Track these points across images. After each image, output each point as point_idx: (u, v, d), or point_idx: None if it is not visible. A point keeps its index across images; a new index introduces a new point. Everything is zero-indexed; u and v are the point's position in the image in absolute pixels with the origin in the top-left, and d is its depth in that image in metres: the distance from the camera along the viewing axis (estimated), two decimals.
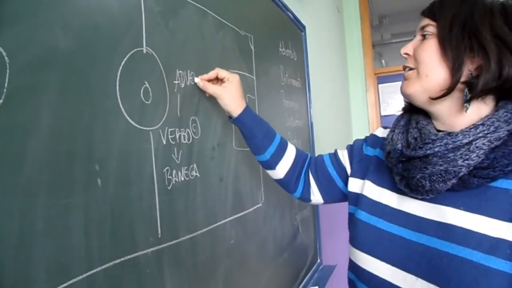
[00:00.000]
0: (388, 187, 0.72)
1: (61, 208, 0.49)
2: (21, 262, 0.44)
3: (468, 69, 0.60)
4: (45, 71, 0.48)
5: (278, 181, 0.94)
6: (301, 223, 1.48)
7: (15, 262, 0.43)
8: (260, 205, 1.11)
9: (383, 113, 3.44)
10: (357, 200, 0.78)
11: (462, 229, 0.58)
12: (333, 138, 2.37)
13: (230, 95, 0.83)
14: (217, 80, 0.86)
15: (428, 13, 0.66)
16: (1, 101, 0.43)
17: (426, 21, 0.66)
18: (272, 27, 1.31)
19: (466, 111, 0.62)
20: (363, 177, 0.80)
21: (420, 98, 0.65)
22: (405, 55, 0.68)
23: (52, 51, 0.49)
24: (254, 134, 0.87)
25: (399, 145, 0.65)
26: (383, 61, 5.61)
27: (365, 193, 0.76)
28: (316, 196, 0.92)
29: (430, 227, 0.62)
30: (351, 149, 0.88)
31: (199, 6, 0.84)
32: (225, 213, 0.91)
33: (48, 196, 0.47)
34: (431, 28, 0.64)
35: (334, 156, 0.92)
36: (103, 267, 0.55)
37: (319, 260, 1.70)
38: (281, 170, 0.91)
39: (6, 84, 0.43)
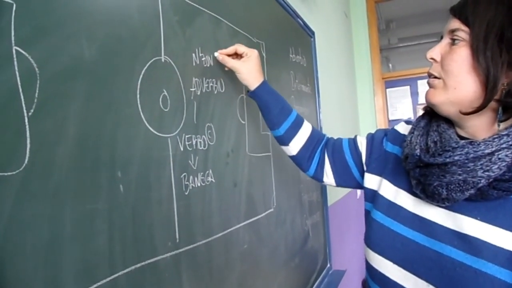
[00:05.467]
0: (404, 188, 0.70)
1: (87, 213, 0.50)
2: (50, 265, 0.45)
3: (501, 83, 0.55)
4: (72, 81, 0.50)
5: (292, 157, 0.96)
6: (311, 228, 1.48)
7: (45, 265, 0.45)
8: (272, 210, 1.12)
9: (391, 118, 3.43)
10: (374, 198, 0.77)
11: (478, 240, 0.57)
12: None
13: (248, 69, 0.86)
14: (236, 55, 0.89)
15: (459, 14, 0.59)
16: (32, 110, 0.44)
17: (456, 23, 0.60)
18: (282, 34, 1.33)
19: (498, 127, 0.58)
20: (380, 174, 0.79)
21: (447, 109, 0.61)
22: (431, 60, 0.63)
23: (78, 62, 0.51)
24: (270, 109, 0.89)
25: (418, 150, 0.63)
26: (390, 65, 5.61)
27: (382, 192, 0.75)
28: (329, 178, 0.93)
29: (445, 235, 0.61)
30: (371, 140, 0.86)
31: (214, 14, 0.86)
32: (238, 218, 0.92)
33: (75, 201, 0.49)
34: (463, 34, 0.58)
35: (353, 143, 0.91)
36: (125, 271, 0.56)
37: (329, 265, 1.70)
38: (294, 146, 0.92)
39: (36, 94, 0.45)
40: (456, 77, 0.59)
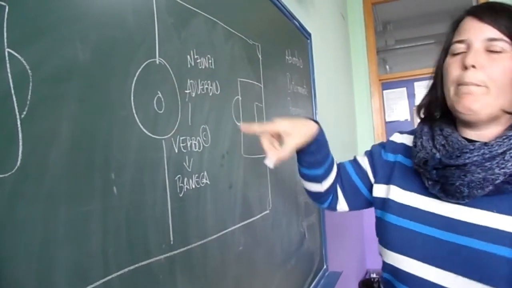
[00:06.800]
0: (416, 191, 0.73)
1: (80, 215, 0.50)
2: (43, 268, 0.45)
3: None
4: (65, 83, 0.50)
5: (315, 193, 0.91)
6: (307, 230, 1.48)
7: (37, 267, 0.44)
8: (267, 211, 1.12)
9: (387, 119, 3.44)
10: (384, 204, 0.79)
11: (496, 230, 0.62)
12: (338, 144, 2.38)
13: (300, 138, 0.77)
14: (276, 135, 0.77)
15: (497, 23, 0.62)
16: (25, 113, 0.44)
17: (494, 33, 0.62)
18: (279, 35, 1.33)
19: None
20: (387, 182, 0.80)
21: (484, 115, 0.64)
22: (472, 68, 0.63)
23: (71, 64, 0.51)
24: (321, 150, 0.84)
25: (438, 153, 0.67)
26: (387, 67, 5.62)
27: (392, 197, 0.77)
28: (342, 205, 0.92)
29: (463, 228, 0.65)
30: (371, 155, 0.88)
31: (209, 16, 0.86)
32: (234, 220, 0.92)
33: (68, 203, 0.49)
34: (504, 45, 0.61)
35: (356, 164, 0.91)
36: (119, 273, 0.56)
37: (325, 266, 1.70)
38: (326, 184, 0.88)
39: (29, 97, 0.45)
40: (501, 86, 0.62)
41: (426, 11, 4.03)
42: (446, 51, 0.70)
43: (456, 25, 0.70)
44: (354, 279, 2.60)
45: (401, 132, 0.85)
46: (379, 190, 0.82)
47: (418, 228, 0.71)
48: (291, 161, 1.36)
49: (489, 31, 0.62)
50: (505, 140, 0.61)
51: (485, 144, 0.62)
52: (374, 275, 2.94)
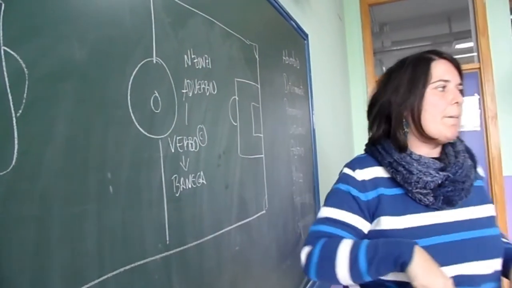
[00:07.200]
0: (410, 212, 0.79)
1: (76, 214, 0.50)
2: (37, 268, 0.45)
3: None
4: (62, 81, 0.50)
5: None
6: (303, 230, 1.48)
7: (31, 267, 0.44)
8: (264, 212, 1.12)
9: None
10: (380, 235, 0.78)
11: (484, 218, 0.81)
12: (334, 145, 2.38)
13: None
14: None
15: (461, 73, 0.83)
16: (21, 111, 0.44)
17: (460, 79, 0.83)
18: (276, 36, 1.33)
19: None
20: (373, 218, 0.82)
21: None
22: (457, 104, 0.80)
23: (68, 63, 0.51)
24: None
25: (447, 174, 0.78)
26: (383, 68, 5.64)
27: (385, 227, 0.78)
28: None
29: (465, 225, 0.78)
30: (359, 208, 0.82)
31: (207, 16, 0.86)
32: (230, 220, 0.92)
33: (64, 203, 0.49)
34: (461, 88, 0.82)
35: (357, 230, 0.82)
36: (114, 273, 0.56)
37: None
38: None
39: (25, 95, 0.45)
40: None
41: (422, 13, 4.04)
42: (423, 85, 0.81)
43: (429, 64, 0.82)
44: None
45: (354, 168, 0.85)
46: (369, 226, 0.82)
47: (425, 242, 0.74)
48: (288, 161, 1.36)
49: (459, 76, 0.82)
50: (462, 155, 0.83)
51: (456, 159, 0.82)
52: None
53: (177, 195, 0.72)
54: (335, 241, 0.78)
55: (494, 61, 2.82)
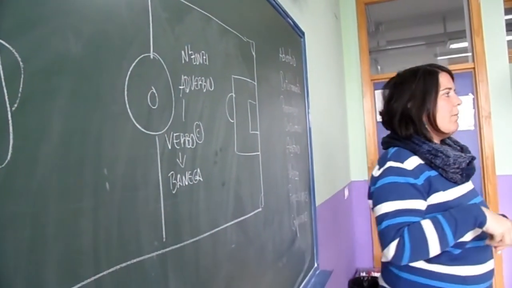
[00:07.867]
0: (450, 187, 1.06)
1: (71, 211, 0.49)
2: (32, 265, 0.44)
3: None
4: (57, 76, 0.49)
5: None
6: (299, 228, 1.48)
7: (27, 264, 0.43)
8: (260, 209, 1.11)
9: (379, 119, 3.46)
10: (439, 207, 1.04)
11: (474, 189, 1.15)
12: (330, 143, 2.39)
13: None
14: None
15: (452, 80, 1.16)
16: (16, 105, 0.43)
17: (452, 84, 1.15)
18: (273, 33, 1.32)
19: None
20: (428, 195, 1.05)
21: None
22: (459, 105, 1.13)
23: (64, 57, 0.50)
24: None
25: (465, 155, 1.09)
26: (379, 67, 5.66)
27: (440, 200, 1.04)
28: None
29: (474, 193, 1.12)
30: (423, 187, 1.05)
31: (204, 12, 0.85)
32: (226, 217, 0.92)
33: (59, 199, 0.48)
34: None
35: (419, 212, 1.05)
36: (110, 270, 0.55)
37: (316, 265, 1.71)
38: None
39: (20, 89, 0.44)
40: None
41: (417, 12, 4.06)
42: (436, 93, 1.11)
43: (437, 77, 1.12)
44: (344, 278, 2.61)
45: (401, 160, 1.08)
46: (428, 201, 1.06)
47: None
48: (284, 159, 1.36)
49: (451, 82, 1.15)
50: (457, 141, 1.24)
51: (460, 145, 1.22)
52: (363, 274, 2.97)
53: (173, 192, 0.71)
54: (416, 226, 0.97)
55: (488, 61, 2.84)
